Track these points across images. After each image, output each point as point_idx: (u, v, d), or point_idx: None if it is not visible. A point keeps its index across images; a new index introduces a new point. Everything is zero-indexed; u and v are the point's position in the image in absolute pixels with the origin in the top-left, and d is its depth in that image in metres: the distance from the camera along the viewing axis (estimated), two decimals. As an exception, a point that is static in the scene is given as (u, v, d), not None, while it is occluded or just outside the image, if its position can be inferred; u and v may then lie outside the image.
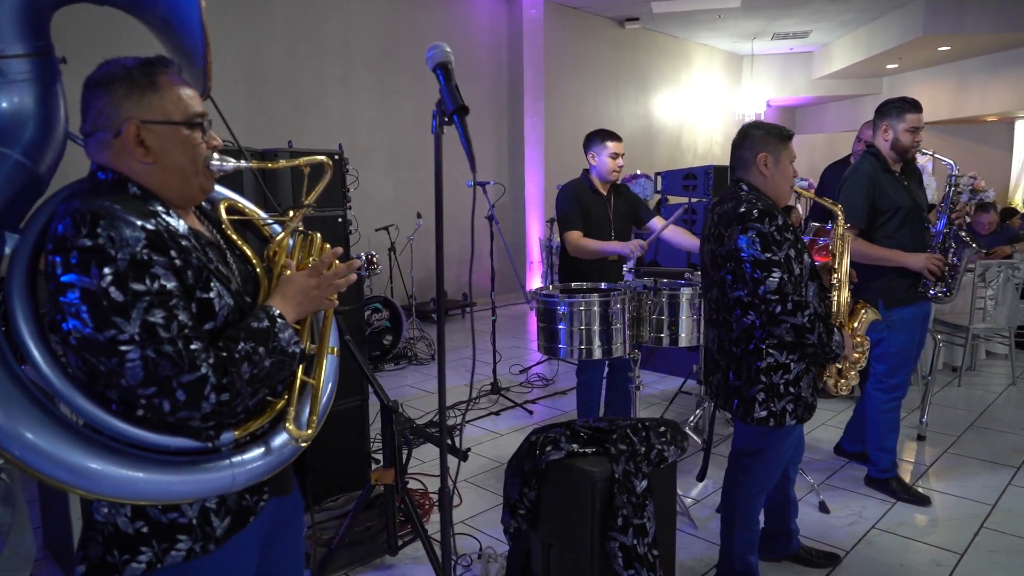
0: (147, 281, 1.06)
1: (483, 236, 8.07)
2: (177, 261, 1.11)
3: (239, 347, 1.13)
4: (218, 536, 1.20)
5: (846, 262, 2.30)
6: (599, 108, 10.26)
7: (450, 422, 4.20)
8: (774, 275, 1.99)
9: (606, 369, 3.63)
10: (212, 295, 1.16)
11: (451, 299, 8.17)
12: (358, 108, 7.44)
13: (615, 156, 3.48)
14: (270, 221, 1.44)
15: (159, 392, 1.05)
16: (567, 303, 2.86)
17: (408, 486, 2.88)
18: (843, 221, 2.32)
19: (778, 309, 1.99)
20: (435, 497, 3.14)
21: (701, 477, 2.58)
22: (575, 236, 3.45)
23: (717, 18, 10.20)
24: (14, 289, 1.10)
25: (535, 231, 9.16)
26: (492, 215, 4.82)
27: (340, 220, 2.99)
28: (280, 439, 1.24)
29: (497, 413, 4.51)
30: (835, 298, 2.28)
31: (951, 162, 3.18)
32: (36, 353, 1.10)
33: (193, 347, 1.08)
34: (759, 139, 2.20)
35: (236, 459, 1.17)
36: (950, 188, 3.15)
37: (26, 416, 1.06)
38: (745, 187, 2.19)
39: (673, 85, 11.65)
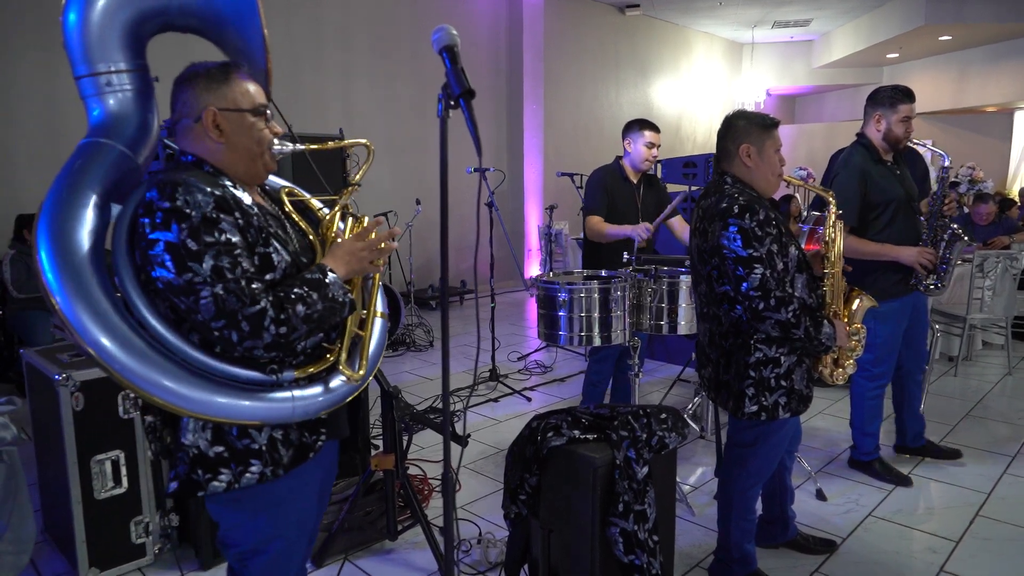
0: (215, 234, 1.28)
1: (482, 223, 8.08)
2: (240, 221, 1.32)
3: (294, 290, 1.33)
4: (285, 463, 1.41)
5: (839, 250, 2.25)
6: (599, 95, 10.21)
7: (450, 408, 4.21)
8: (756, 272, 1.97)
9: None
10: (271, 250, 1.37)
11: (449, 286, 8.15)
12: (356, 94, 7.40)
13: (651, 146, 3.47)
14: (321, 205, 1.67)
15: (227, 324, 1.26)
16: (567, 290, 2.86)
17: (407, 472, 2.88)
18: (835, 208, 2.28)
19: (761, 305, 1.97)
20: (434, 483, 3.15)
21: (719, 471, 2.58)
22: (594, 220, 3.46)
23: (718, 5, 10.14)
24: (118, 249, 1.33)
25: (534, 218, 9.14)
26: (492, 202, 4.80)
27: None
28: (336, 380, 1.44)
29: (496, 400, 4.52)
30: (828, 287, 2.26)
31: (944, 153, 3.13)
32: (138, 301, 1.32)
33: (254, 286, 1.29)
34: (742, 129, 2.15)
35: (297, 392, 1.38)
36: (942, 180, 3.13)
37: (137, 351, 1.29)
38: (729, 179, 2.15)
39: (673, 73, 11.59)
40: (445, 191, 1.38)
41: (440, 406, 4.29)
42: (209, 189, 1.29)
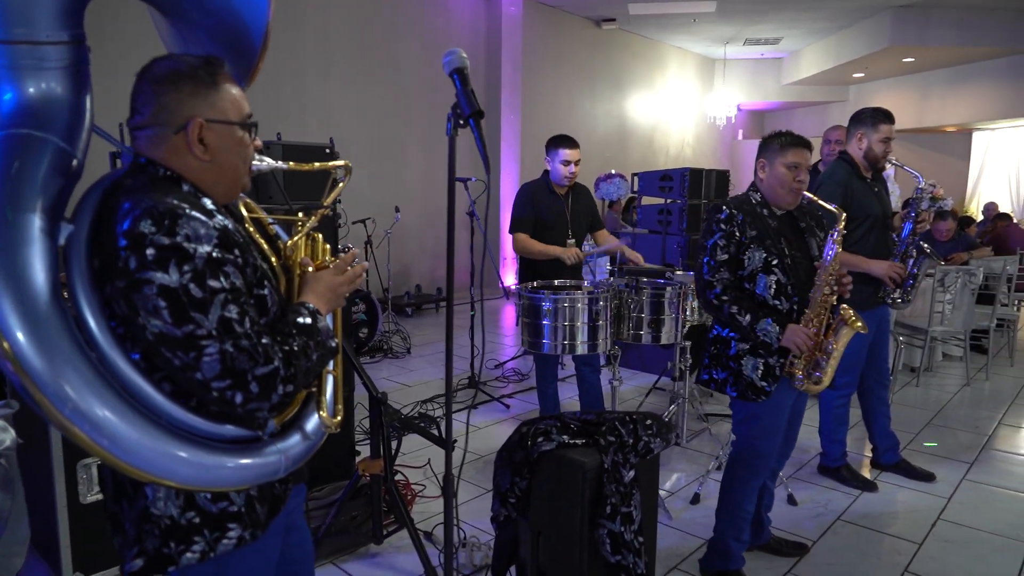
0: (221, 279, 1.10)
1: (461, 231, 8.09)
2: (239, 259, 1.15)
3: (296, 341, 1.19)
4: (263, 522, 1.26)
5: (834, 264, 2.32)
6: (574, 107, 10.36)
7: (432, 414, 4.25)
8: (702, 258, 2.36)
9: (560, 371, 3.74)
10: (265, 292, 1.21)
11: (425, 293, 8.19)
12: (336, 101, 7.41)
13: (567, 163, 3.51)
14: (272, 221, 1.48)
15: (233, 385, 1.10)
16: (552, 299, 2.93)
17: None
18: (843, 227, 2.35)
19: (699, 285, 2.39)
20: (416, 488, 3.19)
21: None
22: (521, 237, 3.54)
23: (692, 22, 10.37)
24: (77, 281, 1.12)
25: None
26: (473, 211, 4.87)
27: (330, 214, 3.01)
28: (312, 425, 1.31)
29: (475, 406, 4.57)
30: (815, 298, 2.32)
31: (918, 174, 3.27)
32: (104, 345, 1.13)
33: (265, 341, 1.13)
34: (762, 145, 2.42)
35: (281, 445, 1.24)
36: (916, 199, 3.27)
37: (115, 410, 1.10)
38: (752, 187, 2.44)
39: (647, 86, 11.81)
40: (452, 202, 1.44)
41: (419, 413, 4.32)
42: (210, 222, 1.11)
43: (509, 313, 8.08)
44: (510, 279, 9.06)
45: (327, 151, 2.92)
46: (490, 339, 6.62)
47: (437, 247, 8.34)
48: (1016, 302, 6.55)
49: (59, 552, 2.40)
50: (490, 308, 8.37)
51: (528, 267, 3.67)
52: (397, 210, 6.56)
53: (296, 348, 1.17)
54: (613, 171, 8.09)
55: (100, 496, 2.46)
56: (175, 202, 1.10)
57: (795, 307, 2.33)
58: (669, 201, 5.22)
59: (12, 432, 1.69)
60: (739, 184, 10.57)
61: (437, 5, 8.31)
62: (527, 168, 9.28)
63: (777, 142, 2.35)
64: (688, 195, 5.07)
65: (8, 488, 1.68)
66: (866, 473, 3.52)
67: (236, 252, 1.14)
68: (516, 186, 9.25)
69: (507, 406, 4.61)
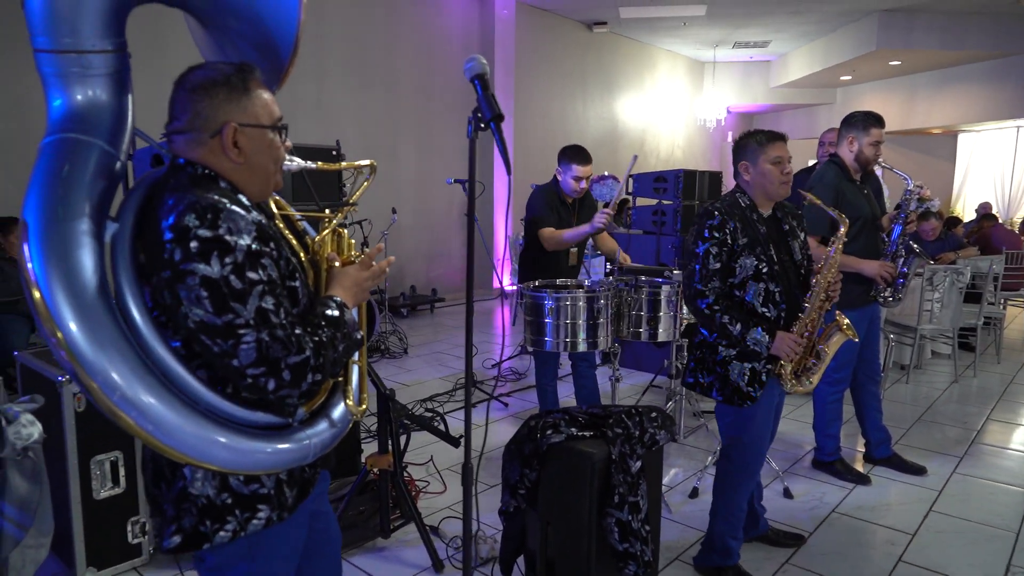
0: (259, 271, 1.16)
1: (455, 232, 8.11)
2: (274, 252, 1.21)
3: (325, 333, 1.25)
4: (290, 505, 1.33)
5: (831, 274, 2.36)
6: (566, 109, 10.44)
7: (437, 411, 4.30)
8: (691, 264, 2.35)
9: (558, 370, 3.79)
10: (296, 284, 1.27)
11: (420, 294, 8.23)
12: (330, 102, 7.45)
13: (578, 179, 3.54)
14: (300, 216, 1.53)
15: (267, 372, 1.15)
16: (554, 298, 3.00)
17: (402, 472, 2.96)
18: (843, 234, 2.40)
19: (688, 292, 2.36)
20: (420, 484, 3.25)
21: None
22: (549, 231, 3.55)
23: (682, 25, 10.48)
24: (121, 274, 1.19)
25: (503, 229, 9.30)
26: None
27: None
28: (338, 412, 1.37)
29: (473, 405, 4.62)
30: (812, 304, 2.36)
31: (908, 176, 3.34)
32: (146, 334, 1.19)
33: (297, 331, 1.19)
34: (739, 148, 2.44)
35: (310, 431, 1.31)
36: (905, 201, 3.35)
37: (168, 405, 1.17)
38: (738, 191, 2.46)
39: (638, 89, 11.91)
40: (472, 203, 1.50)
41: (425, 410, 4.38)
42: (248, 216, 1.17)
43: (502, 313, 8.14)
44: (505, 279, 9.12)
45: (334, 152, 2.97)
46: (485, 339, 6.68)
47: (431, 249, 8.39)
48: (1002, 301, 6.68)
49: (73, 547, 2.44)
50: (483, 308, 8.43)
51: (528, 267, 3.72)
52: (394, 211, 6.61)
53: (325, 339, 1.23)
54: (606, 172, 8.18)
55: (113, 492, 2.50)
56: (216, 197, 1.16)
57: (783, 314, 2.35)
58: (663, 202, 5.30)
59: (39, 426, 1.73)
60: (730, 186, 10.67)
61: (430, 8, 8.36)
62: (519, 171, 9.35)
63: (754, 141, 2.38)
64: (682, 196, 5.15)
65: (36, 480, 1.72)
66: (859, 467, 3.61)
67: (271, 245, 1.20)
68: (508, 188, 9.32)
69: (505, 404, 4.66)
